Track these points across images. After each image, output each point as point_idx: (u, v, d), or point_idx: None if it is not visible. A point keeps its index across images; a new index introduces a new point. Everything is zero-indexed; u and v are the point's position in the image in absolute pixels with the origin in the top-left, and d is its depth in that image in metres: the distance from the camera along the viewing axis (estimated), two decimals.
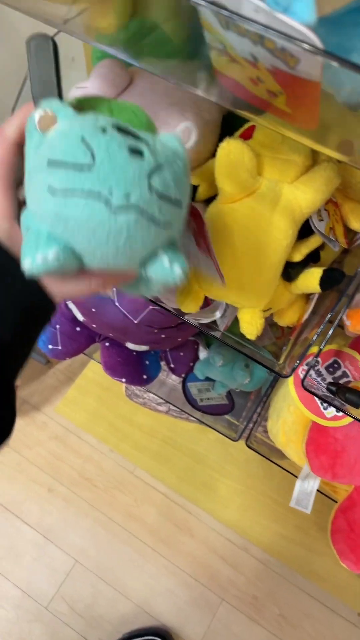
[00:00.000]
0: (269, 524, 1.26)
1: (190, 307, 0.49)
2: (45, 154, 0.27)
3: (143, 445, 1.31)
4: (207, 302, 0.53)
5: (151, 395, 1.17)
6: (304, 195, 0.44)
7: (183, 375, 0.87)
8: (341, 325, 0.61)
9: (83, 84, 0.46)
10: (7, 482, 1.32)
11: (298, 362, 0.48)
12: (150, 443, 1.31)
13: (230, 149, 0.42)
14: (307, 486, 0.62)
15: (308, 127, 0.27)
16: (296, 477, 0.68)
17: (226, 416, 0.92)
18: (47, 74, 0.29)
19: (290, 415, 0.68)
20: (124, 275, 0.32)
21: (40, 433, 1.37)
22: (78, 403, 1.37)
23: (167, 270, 0.30)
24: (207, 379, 0.86)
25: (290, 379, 0.63)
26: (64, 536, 1.26)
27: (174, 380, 0.97)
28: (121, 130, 0.27)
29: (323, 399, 0.49)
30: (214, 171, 0.49)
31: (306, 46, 0.20)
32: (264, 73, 0.24)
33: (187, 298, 0.49)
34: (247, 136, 0.46)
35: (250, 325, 0.49)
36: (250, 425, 0.79)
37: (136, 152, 0.26)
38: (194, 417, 1.10)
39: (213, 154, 0.53)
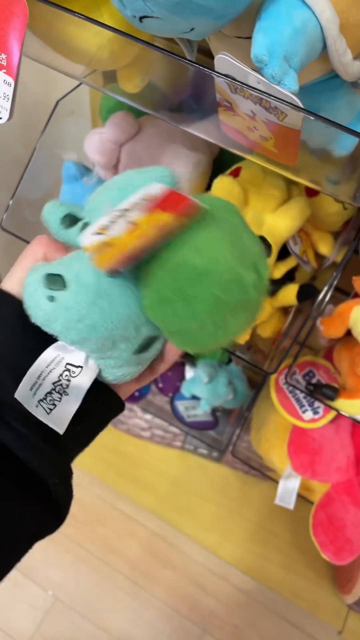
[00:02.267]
0: (250, 546, 1.30)
1: None
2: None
3: (127, 473, 1.34)
4: None
5: (135, 421, 1.22)
6: (283, 221, 0.54)
7: (170, 394, 0.94)
8: (309, 347, 0.71)
9: (100, 129, 0.56)
10: None
11: (282, 358, 0.56)
12: (134, 470, 1.34)
13: (223, 184, 0.52)
14: (289, 485, 0.69)
15: (290, 164, 0.37)
16: (277, 483, 0.74)
17: (210, 432, 0.99)
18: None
19: (272, 422, 0.75)
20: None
21: None
22: None
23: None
24: (194, 397, 0.93)
25: (272, 388, 0.71)
26: (43, 573, 1.25)
27: (161, 400, 1.03)
28: None
29: (304, 392, 0.57)
30: None
31: (292, 106, 0.29)
32: (260, 124, 0.34)
33: None
34: (235, 174, 0.57)
35: None
36: (234, 439, 0.86)
37: None
38: (177, 440, 1.15)
39: (207, 187, 0.63)
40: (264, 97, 0.30)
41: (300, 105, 0.29)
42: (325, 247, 0.62)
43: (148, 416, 1.14)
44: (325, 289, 0.58)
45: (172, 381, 0.92)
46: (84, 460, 1.30)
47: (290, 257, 0.59)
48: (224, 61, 0.31)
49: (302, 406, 0.70)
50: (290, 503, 0.68)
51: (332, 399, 0.55)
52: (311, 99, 0.37)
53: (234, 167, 0.58)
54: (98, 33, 0.36)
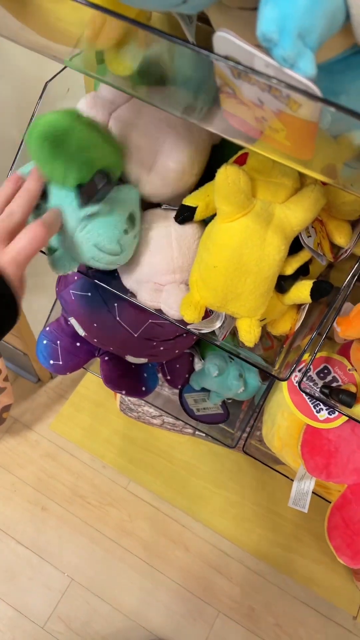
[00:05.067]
0: (265, 533, 1.29)
1: (193, 318, 0.53)
2: None
3: (138, 459, 1.33)
4: (207, 314, 0.57)
5: (145, 408, 1.20)
6: (294, 214, 0.49)
7: (180, 386, 0.90)
8: (329, 337, 0.66)
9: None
10: (1, 502, 1.31)
11: (294, 366, 0.52)
12: (145, 457, 1.33)
13: (228, 174, 0.46)
14: (303, 486, 0.66)
15: (304, 158, 0.32)
16: (291, 480, 0.71)
17: (221, 425, 0.95)
18: None
19: (284, 420, 0.72)
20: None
21: (33, 451, 1.38)
22: (73, 419, 1.39)
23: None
24: (203, 389, 0.89)
25: (285, 386, 0.67)
26: (58, 555, 1.26)
27: (169, 391, 1.00)
28: None
29: (318, 400, 0.53)
30: (211, 194, 0.54)
31: (308, 94, 0.24)
32: (269, 113, 0.29)
33: (189, 309, 0.53)
34: (241, 162, 0.51)
35: (249, 334, 0.53)
36: (246, 433, 0.83)
37: None
38: (188, 427, 1.12)
39: (202, 177, 0.58)
40: (273, 84, 0.25)
41: (318, 93, 0.24)
42: (342, 237, 0.57)
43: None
44: (344, 284, 0.53)
45: (180, 373, 0.88)
46: (95, 446, 1.30)
47: (303, 251, 0.54)
48: (225, 40, 0.25)
49: (316, 405, 0.66)
50: (305, 506, 0.65)
51: (349, 405, 0.51)
52: (331, 81, 0.31)
53: (240, 154, 0.52)
54: (78, 8, 0.30)
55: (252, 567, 1.27)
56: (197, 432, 1.23)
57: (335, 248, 0.61)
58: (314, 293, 0.52)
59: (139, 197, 0.57)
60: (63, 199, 0.51)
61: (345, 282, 0.51)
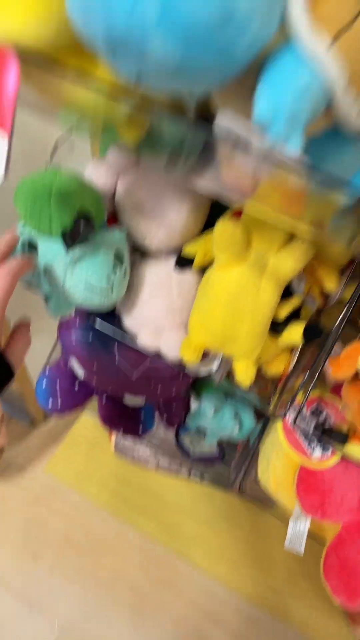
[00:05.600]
0: (259, 577, 1.26)
1: (192, 359, 0.56)
2: None
3: (132, 502, 1.32)
4: (205, 355, 0.59)
5: (141, 450, 1.20)
6: (286, 263, 0.53)
7: (176, 426, 0.92)
8: (322, 377, 0.69)
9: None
10: None
11: (288, 405, 0.55)
12: (139, 500, 1.31)
13: (226, 227, 0.50)
14: (299, 527, 0.67)
15: (294, 214, 0.36)
16: (286, 525, 0.72)
17: (217, 466, 0.96)
18: None
19: (279, 460, 0.73)
20: None
21: (25, 495, 1.36)
22: (67, 461, 1.38)
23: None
24: (199, 429, 0.90)
25: (280, 426, 0.69)
26: (49, 604, 1.22)
27: (165, 431, 1.01)
28: None
29: (311, 439, 0.55)
30: (209, 243, 0.58)
31: (296, 166, 0.28)
32: (263, 179, 0.33)
33: (188, 351, 0.56)
34: (238, 214, 0.55)
35: (245, 374, 0.56)
36: (241, 474, 0.84)
37: None
38: (183, 469, 1.13)
39: (202, 229, 0.62)
40: (266, 156, 0.29)
41: (305, 165, 0.28)
42: (331, 283, 0.61)
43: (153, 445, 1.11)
44: (334, 327, 0.56)
45: (177, 412, 0.90)
46: (89, 489, 1.28)
47: (295, 296, 0.58)
48: (226, 119, 0.29)
49: (310, 444, 0.68)
50: (301, 546, 0.66)
51: (340, 444, 0.53)
52: (316, 149, 0.36)
53: (236, 207, 0.57)
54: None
55: (247, 611, 1.23)
56: (192, 475, 1.23)
57: (325, 293, 0.65)
58: (306, 336, 0.56)
59: (124, 238, 0.60)
60: (51, 249, 0.55)
61: (335, 326, 0.54)
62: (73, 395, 0.83)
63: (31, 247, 0.56)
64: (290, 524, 0.67)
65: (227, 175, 0.37)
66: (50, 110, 0.44)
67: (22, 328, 0.50)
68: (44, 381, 0.83)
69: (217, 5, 0.23)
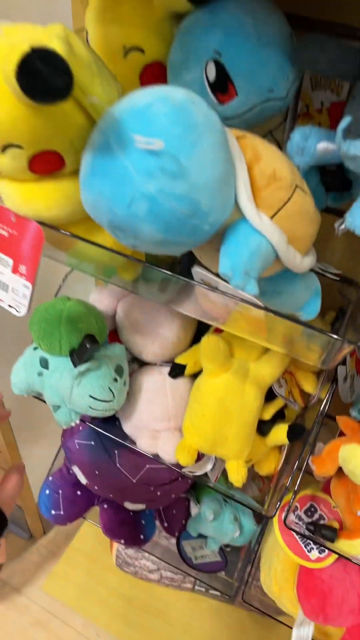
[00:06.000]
0: None
1: (187, 461, 0.61)
2: None
3: (134, 622, 1.24)
4: (199, 457, 0.64)
5: (143, 562, 1.17)
6: (265, 370, 0.61)
7: (177, 533, 0.92)
8: (310, 473, 0.73)
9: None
10: None
11: (279, 503, 0.58)
12: (141, 619, 1.24)
13: (210, 341, 0.59)
14: (303, 633, 0.66)
15: (260, 336, 0.44)
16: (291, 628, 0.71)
17: (220, 575, 0.95)
18: None
19: (279, 563, 0.74)
20: None
21: (21, 619, 1.28)
22: (66, 578, 1.32)
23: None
24: (200, 536, 0.91)
25: (276, 526, 0.71)
26: None
27: (167, 542, 1.00)
28: None
29: (306, 537, 0.58)
30: (197, 354, 0.67)
31: (254, 305, 0.37)
32: (231, 310, 0.42)
33: (183, 453, 0.61)
34: (219, 330, 0.64)
35: (237, 474, 0.61)
36: (245, 581, 0.83)
37: None
38: (187, 581, 1.09)
39: (191, 342, 0.71)
40: (231, 297, 0.38)
41: (261, 305, 0.37)
42: (309, 385, 0.68)
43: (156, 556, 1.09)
44: (312, 427, 0.62)
45: (177, 518, 0.91)
46: (89, 609, 1.23)
47: (277, 398, 0.65)
48: (199, 273, 0.39)
49: (307, 544, 0.69)
50: None
51: (332, 540, 0.56)
52: (273, 284, 0.45)
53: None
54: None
55: None
56: (196, 587, 1.18)
57: (306, 394, 0.72)
58: (290, 435, 0.62)
59: (124, 352, 0.68)
60: (60, 365, 0.63)
61: (313, 425, 0.60)
62: (75, 504, 0.85)
63: (43, 361, 0.64)
64: (294, 631, 0.66)
65: (204, 305, 0.46)
66: (59, 256, 0.55)
67: (14, 472, 0.47)
68: (47, 490, 0.86)
69: (186, 204, 0.33)
